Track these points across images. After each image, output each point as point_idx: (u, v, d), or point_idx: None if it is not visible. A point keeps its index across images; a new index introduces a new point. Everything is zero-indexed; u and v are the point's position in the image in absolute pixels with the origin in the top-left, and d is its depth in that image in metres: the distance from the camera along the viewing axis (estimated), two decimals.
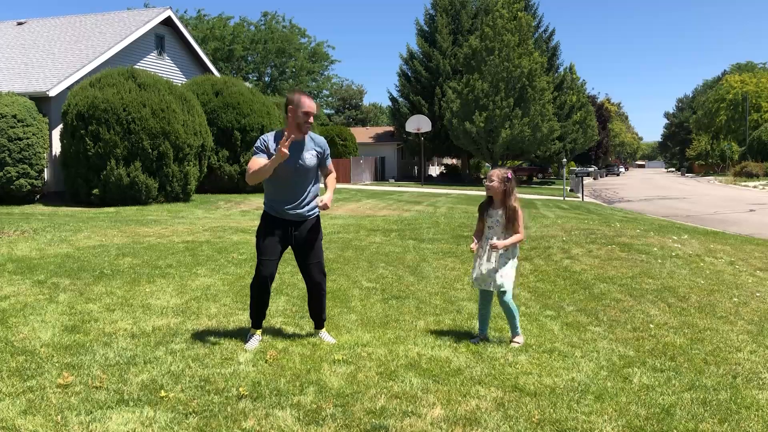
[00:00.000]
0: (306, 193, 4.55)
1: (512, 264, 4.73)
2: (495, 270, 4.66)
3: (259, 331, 4.66)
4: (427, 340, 4.73)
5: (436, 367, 4.16)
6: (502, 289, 4.67)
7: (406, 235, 10.62)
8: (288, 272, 7.02)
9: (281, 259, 4.83)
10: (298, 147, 4.45)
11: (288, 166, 4.42)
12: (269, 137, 4.52)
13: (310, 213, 4.60)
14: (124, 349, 4.40)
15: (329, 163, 4.74)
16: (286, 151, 4.21)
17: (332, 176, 4.77)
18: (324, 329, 4.85)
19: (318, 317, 4.81)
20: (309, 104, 4.40)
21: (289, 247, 4.65)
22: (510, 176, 4.70)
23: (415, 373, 4.04)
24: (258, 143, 4.50)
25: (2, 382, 3.79)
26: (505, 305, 4.72)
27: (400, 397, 3.65)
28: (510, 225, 4.66)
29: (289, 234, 4.56)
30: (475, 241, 4.80)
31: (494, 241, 4.65)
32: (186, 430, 3.21)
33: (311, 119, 4.44)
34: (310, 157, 4.50)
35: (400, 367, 4.13)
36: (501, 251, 4.65)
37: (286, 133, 4.34)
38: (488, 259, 4.69)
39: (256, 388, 3.73)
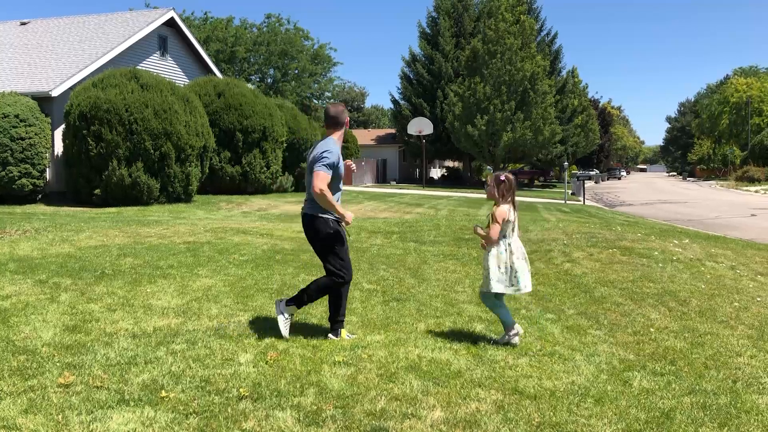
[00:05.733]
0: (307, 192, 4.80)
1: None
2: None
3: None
4: (427, 343, 4.73)
5: (437, 369, 4.16)
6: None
7: (407, 237, 10.63)
8: (290, 273, 7.03)
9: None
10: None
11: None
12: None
13: (305, 211, 4.81)
14: (125, 349, 4.41)
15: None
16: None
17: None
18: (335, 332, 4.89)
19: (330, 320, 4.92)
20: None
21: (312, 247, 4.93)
22: (503, 178, 4.75)
23: (415, 375, 4.05)
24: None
25: (3, 381, 3.80)
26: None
27: (400, 399, 3.65)
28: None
29: None
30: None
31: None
32: (186, 431, 3.22)
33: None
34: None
35: (401, 369, 4.14)
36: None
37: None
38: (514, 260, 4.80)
39: (257, 389, 3.74)
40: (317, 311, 5.54)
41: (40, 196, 17.80)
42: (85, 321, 5.12)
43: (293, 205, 18.33)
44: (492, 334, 5.01)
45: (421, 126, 38.30)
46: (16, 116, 16.56)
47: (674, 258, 8.88)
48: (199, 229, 11.09)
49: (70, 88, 18.35)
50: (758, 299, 6.66)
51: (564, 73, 48.89)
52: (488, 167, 50.66)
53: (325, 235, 4.68)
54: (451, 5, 45.06)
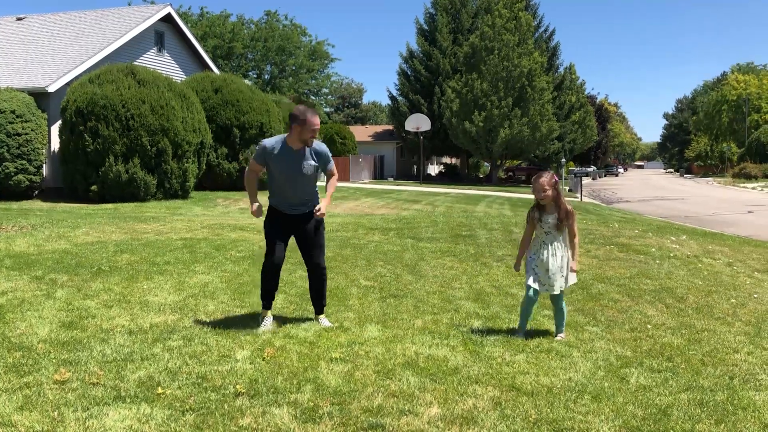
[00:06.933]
0: (307, 195, 4.93)
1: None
2: (563, 272, 4.84)
3: (269, 312, 5.00)
4: (424, 339, 4.73)
5: (434, 365, 4.16)
6: (564, 290, 4.89)
7: (404, 233, 10.62)
8: (286, 270, 7.00)
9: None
10: (298, 156, 4.77)
11: (288, 173, 4.77)
12: (273, 145, 4.80)
13: (311, 210, 4.96)
14: (122, 346, 4.40)
15: (330, 167, 5.00)
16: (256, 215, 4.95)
17: (333, 179, 5.05)
18: (324, 315, 5.14)
19: (318, 302, 5.12)
20: (316, 123, 4.70)
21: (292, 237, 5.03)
22: (557, 180, 4.89)
23: (412, 371, 4.04)
24: (258, 149, 4.86)
25: None
26: (562, 305, 4.93)
27: (397, 396, 3.65)
28: (565, 225, 4.84)
29: (293, 224, 4.96)
30: (522, 255, 5.12)
31: (573, 264, 4.87)
32: (183, 427, 3.21)
33: (316, 134, 4.77)
34: (308, 165, 4.80)
35: (398, 366, 4.13)
36: (565, 254, 4.87)
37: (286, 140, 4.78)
38: (554, 263, 4.82)
39: (253, 385, 3.73)
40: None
41: (36, 192, 17.76)
42: (81, 317, 5.10)
43: None
44: (489, 328, 5.01)
45: (418, 122, 38.27)
46: (13, 112, 16.51)
47: (671, 255, 8.89)
48: (196, 226, 11.07)
49: (67, 84, 18.29)
50: (755, 296, 6.67)
51: (561, 69, 48.82)
52: (486, 164, 50.68)
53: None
54: (449, 1, 44.97)
